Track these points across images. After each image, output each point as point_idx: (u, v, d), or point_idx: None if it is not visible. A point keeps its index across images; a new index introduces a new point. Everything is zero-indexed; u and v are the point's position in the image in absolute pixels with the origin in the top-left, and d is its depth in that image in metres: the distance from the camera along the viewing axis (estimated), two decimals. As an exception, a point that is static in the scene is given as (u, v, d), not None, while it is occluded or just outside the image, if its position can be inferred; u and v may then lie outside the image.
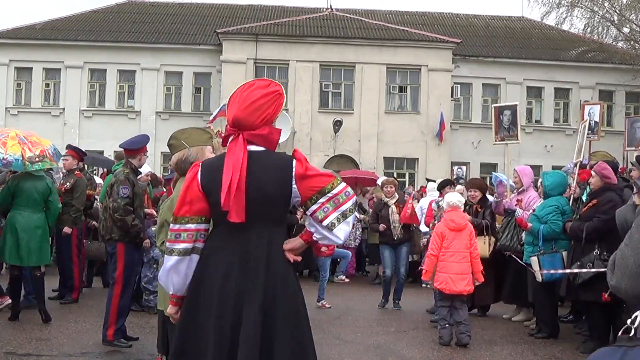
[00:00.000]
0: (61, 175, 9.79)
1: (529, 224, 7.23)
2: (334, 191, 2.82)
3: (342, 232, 2.85)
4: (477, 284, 6.94)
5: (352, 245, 12.13)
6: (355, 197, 2.91)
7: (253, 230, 2.82)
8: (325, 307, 8.95)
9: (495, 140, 10.45)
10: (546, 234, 7.04)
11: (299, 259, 2.92)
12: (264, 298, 2.74)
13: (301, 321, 2.84)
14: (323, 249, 9.31)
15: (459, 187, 10.37)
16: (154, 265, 7.67)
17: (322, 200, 2.81)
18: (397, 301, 9.16)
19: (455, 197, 7.33)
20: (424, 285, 9.79)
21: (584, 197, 7.28)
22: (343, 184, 2.88)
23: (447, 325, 6.78)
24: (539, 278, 6.85)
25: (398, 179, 14.39)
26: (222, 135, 3.24)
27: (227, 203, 2.80)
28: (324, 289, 9.23)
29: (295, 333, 2.78)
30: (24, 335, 6.44)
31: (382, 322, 8.12)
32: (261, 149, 2.93)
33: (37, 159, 7.00)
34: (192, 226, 2.89)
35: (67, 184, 8.47)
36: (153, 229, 7.64)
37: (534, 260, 6.96)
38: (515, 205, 7.84)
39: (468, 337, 6.75)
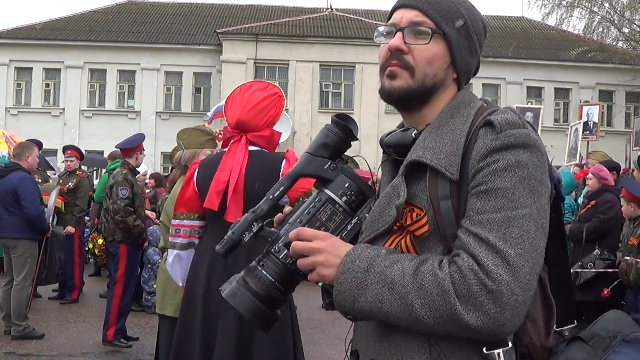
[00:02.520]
0: (57, 175, 9.83)
1: None
2: None
3: None
4: None
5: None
6: None
7: None
8: None
9: None
10: None
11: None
12: None
13: (284, 327, 2.80)
14: None
15: None
16: (149, 265, 7.71)
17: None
18: None
19: None
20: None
21: (579, 200, 7.32)
22: None
23: None
24: None
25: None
26: (221, 138, 3.25)
27: (212, 203, 2.84)
28: None
29: (277, 338, 2.76)
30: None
31: (381, 322, 8.11)
32: (257, 148, 2.94)
33: None
34: (187, 222, 3.01)
35: (70, 184, 8.50)
36: (151, 228, 7.69)
37: None
38: None
39: None
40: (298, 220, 1.38)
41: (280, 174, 2.81)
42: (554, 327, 1.37)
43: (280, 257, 1.36)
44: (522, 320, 1.20)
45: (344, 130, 1.47)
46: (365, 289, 1.23)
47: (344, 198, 1.39)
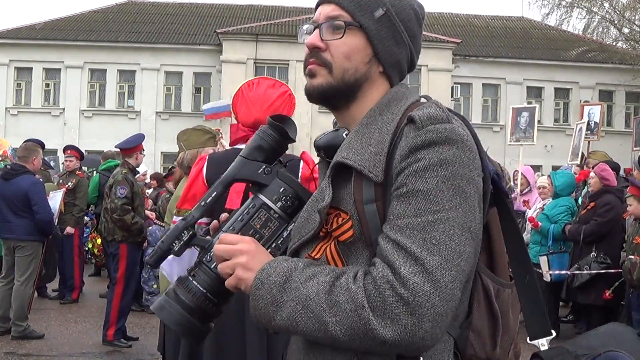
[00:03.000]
0: (57, 175, 9.83)
1: (539, 223, 7.17)
2: None
3: None
4: None
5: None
6: None
7: None
8: None
9: (510, 141, 10.53)
10: (556, 234, 6.97)
11: None
12: None
13: None
14: None
15: None
16: (148, 266, 7.71)
17: None
18: None
19: None
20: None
21: (579, 200, 7.31)
22: None
23: None
24: (547, 278, 6.80)
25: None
26: (222, 136, 3.24)
27: (233, 203, 2.75)
28: None
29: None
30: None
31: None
32: None
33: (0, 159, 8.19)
34: None
35: (69, 184, 8.50)
36: (150, 228, 7.69)
37: (543, 260, 6.86)
38: (523, 206, 7.81)
39: None
40: (231, 227, 1.31)
41: (300, 175, 2.79)
42: (528, 340, 1.29)
43: (212, 266, 1.28)
44: (444, 332, 1.10)
45: (279, 132, 1.39)
46: (281, 307, 1.14)
47: (279, 204, 1.32)
